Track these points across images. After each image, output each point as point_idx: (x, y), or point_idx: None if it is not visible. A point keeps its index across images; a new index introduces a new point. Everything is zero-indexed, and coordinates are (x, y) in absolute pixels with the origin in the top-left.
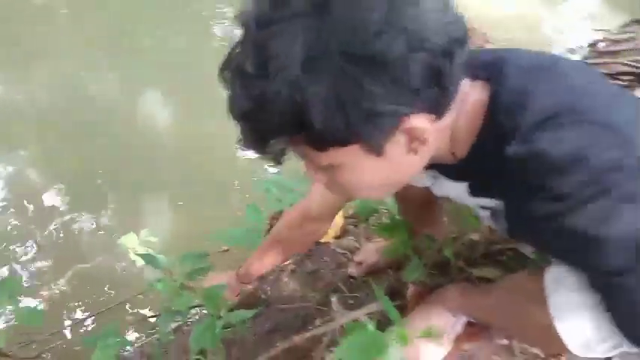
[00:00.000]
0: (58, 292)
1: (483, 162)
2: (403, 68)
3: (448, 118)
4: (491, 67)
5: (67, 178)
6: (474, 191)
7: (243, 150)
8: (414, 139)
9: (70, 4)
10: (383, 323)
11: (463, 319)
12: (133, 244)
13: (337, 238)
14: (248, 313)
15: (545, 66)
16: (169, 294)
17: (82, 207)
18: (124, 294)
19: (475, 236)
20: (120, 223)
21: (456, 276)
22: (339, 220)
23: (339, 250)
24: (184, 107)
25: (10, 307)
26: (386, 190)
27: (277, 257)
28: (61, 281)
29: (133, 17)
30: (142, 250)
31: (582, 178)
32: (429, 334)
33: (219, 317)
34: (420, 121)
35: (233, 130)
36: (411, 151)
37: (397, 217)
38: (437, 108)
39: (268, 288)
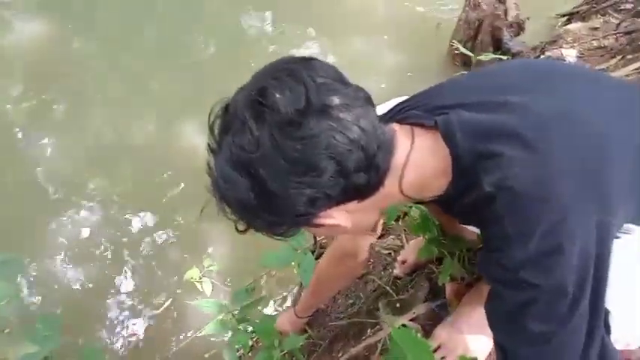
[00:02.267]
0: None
1: (459, 200)
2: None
3: (393, 183)
4: (443, 125)
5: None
6: (461, 221)
7: None
8: (328, 221)
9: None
10: (429, 324)
11: None
12: (197, 276)
13: (380, 237)
14: (299, 339)
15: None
16: (228, 331)
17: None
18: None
19: None
20: (184, 246)
21: None
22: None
23: (383, 250)
24: None
25: None
26: (359, 232)
27: (325, 294)
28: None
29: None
30: (205, 282)
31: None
32: None
33: (275, 347)
34: (327, 219)
35: None
36: (347, 221)
37: (426, 214)
38: (354, 198)
39: None
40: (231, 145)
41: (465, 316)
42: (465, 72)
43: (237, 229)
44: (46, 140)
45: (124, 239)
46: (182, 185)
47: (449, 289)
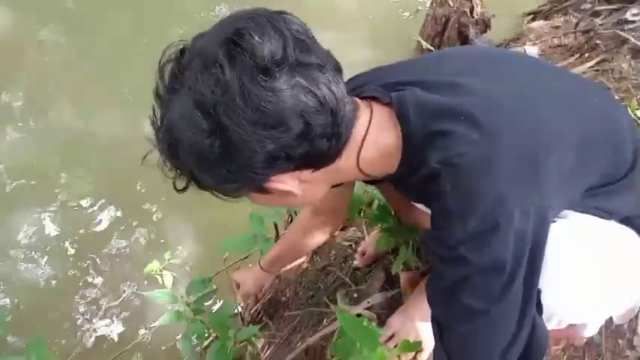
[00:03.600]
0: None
1: (409, 177)
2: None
3: (350, 156)
4: (398, 102)
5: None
6: (410, 199)
7: None
8: (280, 186)
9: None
10: (384, 313)
11: None
12: (157, 269)
13: (342, 229)
14: (254, 329)
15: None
16: (184, 323)
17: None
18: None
19: None
20: (150, 241)
21: None
22: None
23: (344, 242)
24: None
25: None
26: (305, 204)
27: (296, 246)
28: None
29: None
30: (166, 275)
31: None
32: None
33: (229, 338)
34: (279, 183)
35: None
36: (298, 190)
37: (384, 205)
38: (311, 166)
39: (287, 290)
40: (195, 84)
41: (417, 304)
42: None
43: (175, 187)
44: (7, 132)
45: (88, 233)
46: (148, 179)
47: (403, 278)
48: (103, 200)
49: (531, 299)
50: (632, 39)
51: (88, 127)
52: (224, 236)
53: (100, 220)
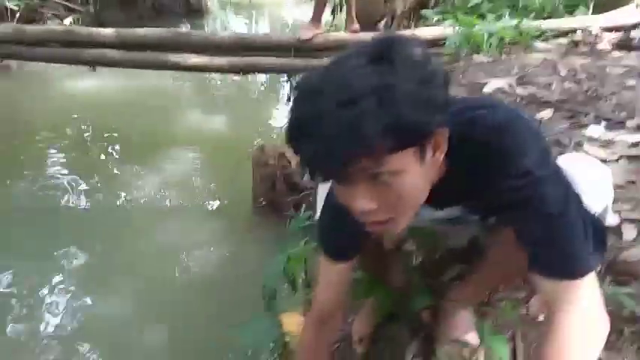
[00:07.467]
0: None
1: (460, 172)
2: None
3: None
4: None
5: None
6: (444, 204)
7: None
8: (438, 147)
9: None
10: None
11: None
12: None
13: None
14: None
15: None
16: None
17: None
18: None
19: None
20: None
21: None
22: None
23: (335, 345)
24: None
25: None
26: (416, 207)
27: None
28: None
29: None
30: None
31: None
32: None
33: None
34: (445, 132)
35: None
36: (434, 163)
37: (369, 277)
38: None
39: None
40: None
41: (451, 323)
42: None
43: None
44: None
45: None
46: None
47: (425, 316)
48: None
49: (579, 198)
50: None
51: None
52: None
53: None
